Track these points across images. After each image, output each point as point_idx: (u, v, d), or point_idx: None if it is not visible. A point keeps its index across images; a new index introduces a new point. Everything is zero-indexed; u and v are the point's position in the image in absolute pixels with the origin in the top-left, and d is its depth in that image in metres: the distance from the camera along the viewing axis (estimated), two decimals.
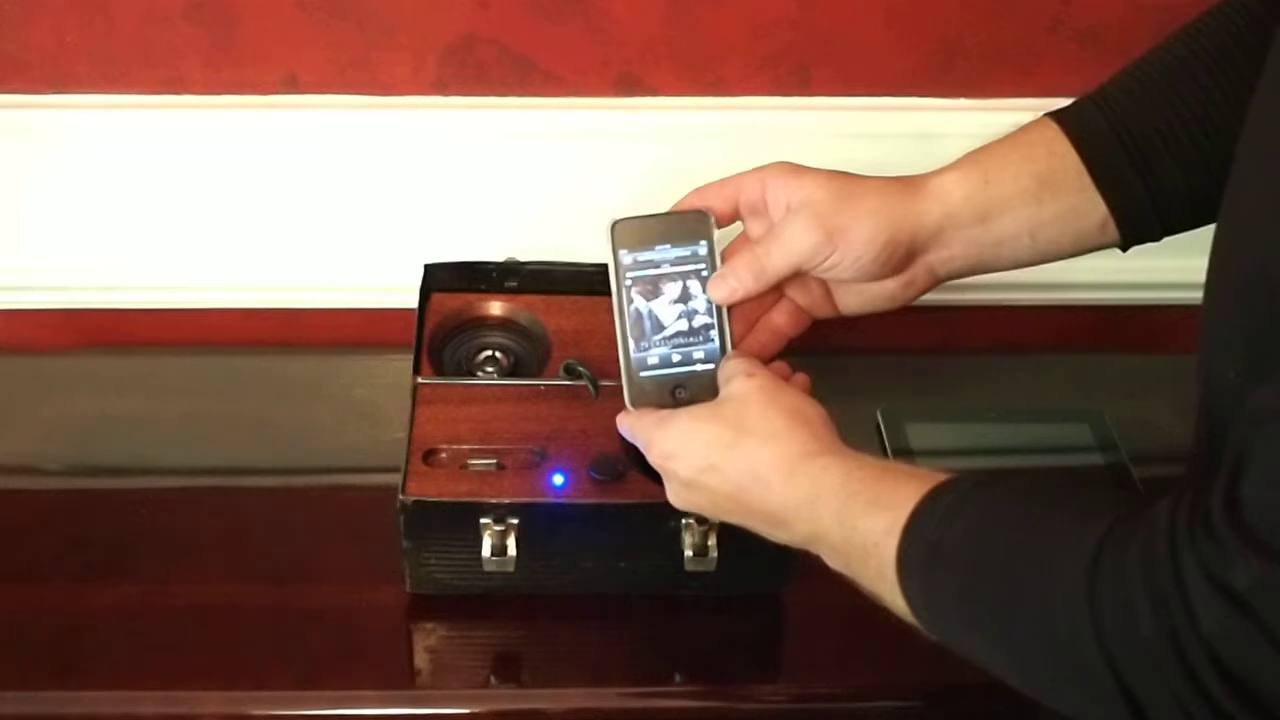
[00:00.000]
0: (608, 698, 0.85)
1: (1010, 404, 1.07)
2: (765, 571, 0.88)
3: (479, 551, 0.83)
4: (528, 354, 0.96)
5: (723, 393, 0.76)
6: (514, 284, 0.99)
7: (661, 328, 0.77)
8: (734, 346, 0.78)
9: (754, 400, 0.73)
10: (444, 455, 0.87)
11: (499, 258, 1.00)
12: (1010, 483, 0.65)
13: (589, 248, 1.04)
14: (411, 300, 0.97)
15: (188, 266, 1.08)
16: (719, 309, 0.78)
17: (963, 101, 1.04)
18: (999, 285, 1.12)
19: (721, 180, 0.78)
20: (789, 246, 0.74)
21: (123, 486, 1.00)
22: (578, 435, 0.88)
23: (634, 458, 0.87)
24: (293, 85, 1.02)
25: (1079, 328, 1.18)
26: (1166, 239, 1.00)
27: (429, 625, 0.87)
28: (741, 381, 0.74)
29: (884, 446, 1.02)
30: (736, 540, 0.85)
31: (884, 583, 0.66)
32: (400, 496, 0.83)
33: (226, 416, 1.04)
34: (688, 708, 0.86)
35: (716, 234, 0.77)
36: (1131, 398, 1.09)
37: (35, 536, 0.94)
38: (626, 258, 0.77)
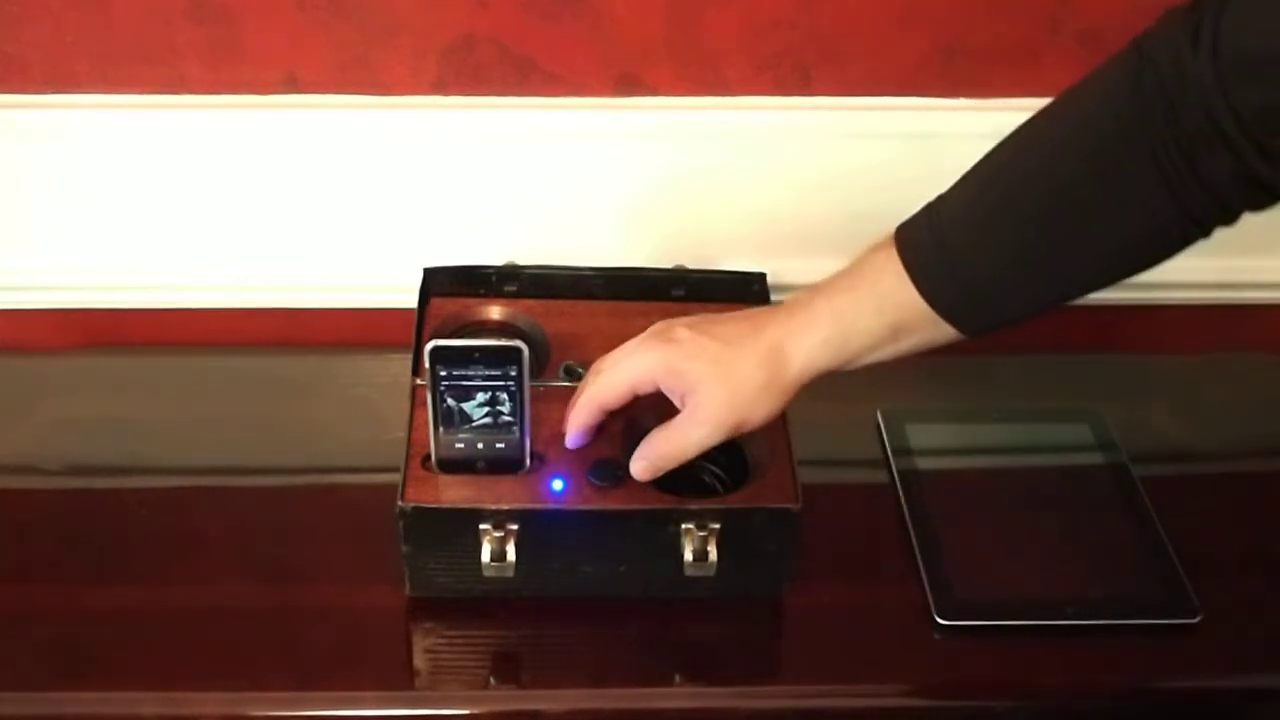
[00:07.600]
0: (608, 698, 0.85)
1: (1010, 404, 1.07)
2: (765, 574, 0.88)
3: (479, 557, 0.83)
4: None
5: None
6: (513, 288, 0.99)
7: (469, 420, 0.84)
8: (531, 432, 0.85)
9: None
10: None
11: (498, 257, 1.00)
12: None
13: (589, 249, 1.04)
14: (411, 300, 0.97)
15: (187, 266, 1.08)
16: (522, 409, 0.84)
17: (963, 101, 1.04)
18: None
19: (611, 385, 0.83)
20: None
21: (123, 486, 0.99)
22: None
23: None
24: (293, 85, 1.01)
25: (1078, 328, 1.17)
26: None
27: (429, 626, 0.87)
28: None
29: (884, 446, 1.02)
30: (736, 544, 0.85)
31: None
32: (399, 503, 0.83)
33: (226, 416, 1.04)
34: (688, 708, 0.85)
35: (527, 365, 0.83)
36: (1131, 398, 1.09)
37: (35, 536, 0.94)
38: (443, 371, 0.82)
